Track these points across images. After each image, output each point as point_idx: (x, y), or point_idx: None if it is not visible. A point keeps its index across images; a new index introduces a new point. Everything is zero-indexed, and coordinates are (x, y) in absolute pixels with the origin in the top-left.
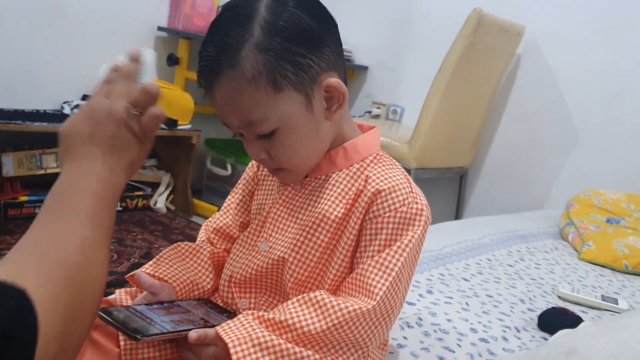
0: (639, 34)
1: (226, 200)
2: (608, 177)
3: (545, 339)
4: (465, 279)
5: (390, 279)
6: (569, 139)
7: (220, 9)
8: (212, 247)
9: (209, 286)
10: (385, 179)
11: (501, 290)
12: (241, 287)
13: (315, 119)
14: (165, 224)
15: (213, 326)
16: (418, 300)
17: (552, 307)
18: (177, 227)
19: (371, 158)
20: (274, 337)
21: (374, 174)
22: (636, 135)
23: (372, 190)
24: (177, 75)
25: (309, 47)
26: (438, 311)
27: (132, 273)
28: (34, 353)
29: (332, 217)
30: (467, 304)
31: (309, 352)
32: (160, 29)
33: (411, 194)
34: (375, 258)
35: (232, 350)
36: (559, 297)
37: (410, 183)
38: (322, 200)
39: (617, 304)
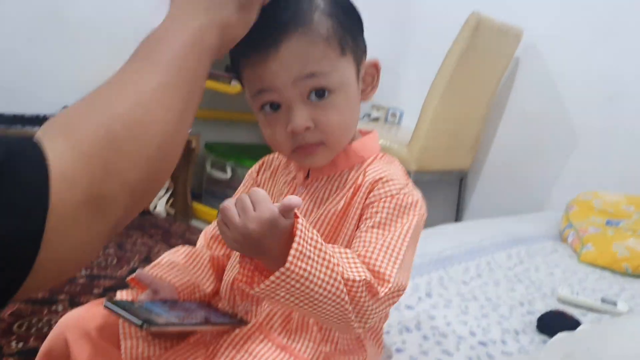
0: (636, 37)
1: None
2: (607, 178)
3: (545, 341)
4: (464, 282)
5: (398, 262)
6: (568, 141)
7: None
8: (213, 252)
9: (209, 289)
10: (384, 170)
11: (500, 293)
12: (243, 291)
13: (359, 93)
14: (164, 228)
15: (215, 324)
16: (417, 303)
17: (551, 310)
18: (176, 231)
19: (372, 158)
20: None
21: (373, 167)
22: (635, 137)
23: (370, 180)
24: None
25: (359, 27)
26: (437, 314)
27: (133, 275)
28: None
29: (332, 213)
30: (466, 307)
31: (342, 287)
32: None
33: (407, 187)
34: (380, 242)
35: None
36: (559, 299)
37: (407, 179)
38: (324, 200)
39: (616, 306)
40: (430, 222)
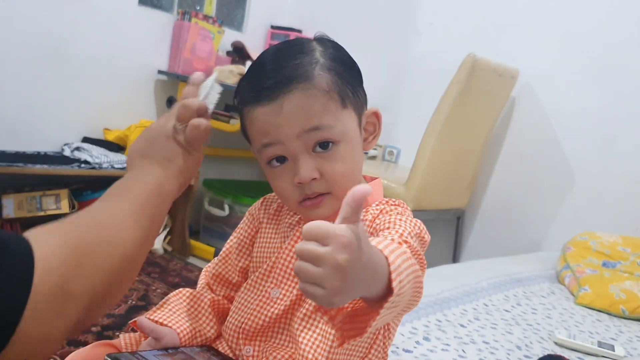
0: (630, 77)
1: (225, 244)
2: (604, 219)
3: None
4: (462, 325)
5: (403, 238)
6: (564, 180)
7: (271, 48)
8: (213, 295)
9: (210, 334)
10: (385, 205)
11: (498, 336)
12: (249, 335)
13: (361, 142)
14: (162, 266)
15: None
16: (415, 347)
17: (549, 354)
18: (174, 268)
19: (374, 205)
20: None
21: (373, 208)
22: (631, 177)
23: (371, 216)
24: None
25: (358, 79)
26: (435, 359)
27: (135, 319)
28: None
29: None
30: (463, 351)
31: (416, 267)
32: (160, 72)
33: (409, 216)
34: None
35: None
36: (556, 343)
37: (409, 212)
38: None
39: (614, 350)
40: (428, 261)
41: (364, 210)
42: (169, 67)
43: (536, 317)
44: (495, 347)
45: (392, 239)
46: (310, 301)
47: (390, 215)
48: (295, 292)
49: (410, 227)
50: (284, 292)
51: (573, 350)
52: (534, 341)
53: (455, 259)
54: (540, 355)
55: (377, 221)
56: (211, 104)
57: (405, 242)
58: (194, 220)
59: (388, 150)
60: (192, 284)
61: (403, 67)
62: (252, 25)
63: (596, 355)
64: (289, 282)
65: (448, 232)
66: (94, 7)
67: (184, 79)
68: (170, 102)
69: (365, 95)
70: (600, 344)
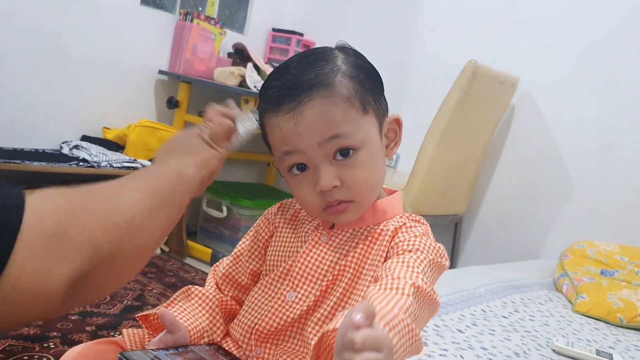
0: (630, 86)
1: (237, 245)
2: (602, 227)
3: None
4: (460, 331)
5: (416, 273)
6: (563, 188)
7: (294, 56)
8: (221, 295)
9: (217, 334)
10: (407, 220)
11: (496, 342)
12: (261, 336)
13: (383, 149)
14: (158, 266)
15: None
16: None
17: None
18: (170, 269)
19: (398, 216)
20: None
21: (394, 220)
22: (629, 186)
23: (392, 228)
24: (176, 118)
25: (380, 87)
26: None
27: (143, 313)
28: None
29: (354, 264)
30: (462, 356)
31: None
32: (161, 72)
33: (429, 237)
34: (400, 263)
35: None
36: (554, 350)
37: (429, 232)
38: (347, 254)
39: (612, 359)
40: None
41: (385, 222)
42: (169, 67)
43: (534, 324)
44: (494, 354)
45: (400, 289)
46: (325, 306)
47: (415, 234)
48: (312, 296)
49: (432, 254)
50: (300, 295)
51: (571, 358)
52: (532, 348)
53: (452, 264)
54: None
55: (400, 236)
56: (244, 132)
57: (417, 287)
58: (191, 221)
59: None
60: (189, 284)
61: (404, 72)
62: (253, 27)
63: None
64: (305, 286)
65: (446, 237)
66: (95, 6)
67: (184, 80)
68: (171, 102)
69: (386, 103)
70: (598, 353)
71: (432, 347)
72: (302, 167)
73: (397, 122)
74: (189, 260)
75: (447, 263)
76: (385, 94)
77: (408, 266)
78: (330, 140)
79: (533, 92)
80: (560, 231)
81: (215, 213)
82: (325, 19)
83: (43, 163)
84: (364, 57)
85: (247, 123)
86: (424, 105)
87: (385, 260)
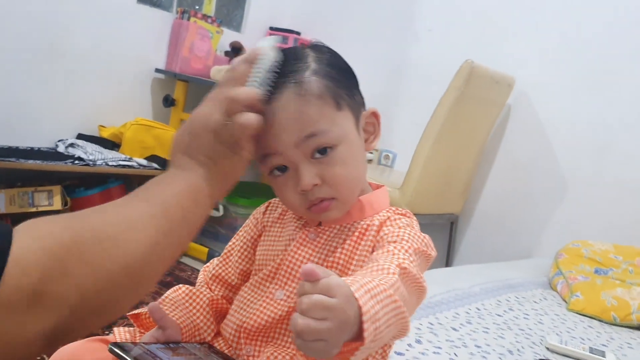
0: (625, 87)
1: (227, 246)
2: (596, 227)
3: None
4: (454, 329)
5: (402, 258)
6: (558, 188)
7: None
8: (211, 293)
9: (207, 332)
10: (392, 214)
11: (490, 340)
12: (250, 335)
13: (362, 143)
14: None
15: None
16: (407, 350)
17: (540, 359)
18: None
19: (383, 212)
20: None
21: (381, 215)
22: (624, 186)
23: (377, 222)
24: (172, 116)
25: (353, 82)
26: None
27: (134, 311)
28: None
29: (342, 260)
30: (455, 354)
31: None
32: (157, 70)
33: (414, 228)
34: (386, 253)
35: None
36: (547, 348)
37: (415, 224)
38: (335, 250)
39: (604, 357)
40: None
41: (371, 217)
42: (166, 65)
43: (528, 323)
44: (487, 351)
45: (385, 269)
46: None
47: (399, 226)
48: None
49: (416, 243)
50: (288, 293)
51: (564, 355)
52: (526, 346)
53: (448, 264)
54: None
55: (385, 229)
56: (266, 85)
57: (403, 269)
58: None
59: (384, 154)
60: (185, 283)
61: (401, 72)
62: (251, 26)
63: None
64: (293, 284)
65: (441, 237)
66: (91, 4)
67: (181, 78)
68: (167, 100)
69: (362, 97)
70: (591, 350)
71: (426, 345)
72: (282, 168)
73: (375, 115)
74: (184, 259)
75: (434, 253)
76: (382, 93)
77: (393, 254)
78: (306, 139)
79: (529, 92)
80: (555, 231)
81: (211, 212)
82: (322, 18)
83: (38, 161)
84: (337, 54)
85: (269, 71)
86: (421, 105)
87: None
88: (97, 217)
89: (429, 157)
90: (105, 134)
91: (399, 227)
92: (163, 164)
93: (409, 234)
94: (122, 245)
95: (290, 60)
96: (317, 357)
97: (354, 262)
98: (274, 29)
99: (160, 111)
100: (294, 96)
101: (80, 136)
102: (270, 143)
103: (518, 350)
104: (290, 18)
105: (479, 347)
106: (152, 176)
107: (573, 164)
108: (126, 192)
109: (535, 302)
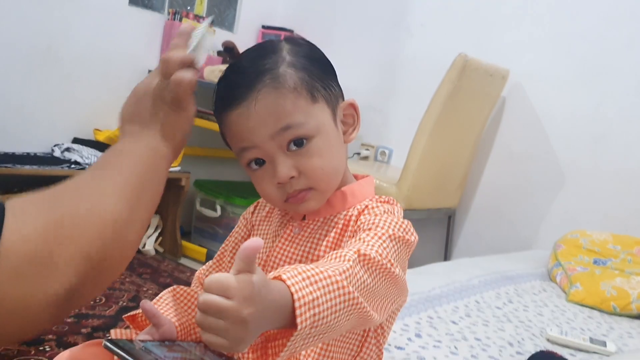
0: (620, 77)
1: (220, 248)
2: (594, 217)
3: None
4: (453, 322)
5: (370, 245)
6: (555, 180)
7: (244, 51)
8: None
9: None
10: (373, 202)
11: (490, 333)
12: None
13: (340, 135)
14: (153, 267)
15: None
16: (407, 344)
17: (541, 351)
18: (165, 269)
19: (366, 201)
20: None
21: (361, 204)
22: (621, 176)
23: (357, 211)
24: None
25: (330, 73)
26: (427, 355)
27: (130, 313)
28: None
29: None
30: (455, 347)
31: (351, 288)
32: (151, 71)
33: (394, 214)
34: (357, 241)
35: (288, 282)
36: (548, 339)
37: (396, 210)
38: (321, 243)
39: (605, 346)
40: (419, 260)
41: (353, 206)
42: None
43: (528, 314)
44: (487, 344)
45: (342, 256)
46: None
47: (376, 214)
48: None
49: (392, 229)
50: None
51: (565, 346)
52: (526, 338)
53: (446, 257)
54: (533, 352)
55: (362, 218)
56: (203, 54)
57: (363, 255)
58: (185, 221)
59: (380, 150)
60: (183, 284)
61: (394, 67)
62: (243, 25)
63: (588, 352)
64: None
65: (439, 231)
66: (84, 7)
67: None
68: None
69: (339, 88)
70: (592, 340)
71: (426, 339)
72: (259, 161)
73: (353, 106)
74: (183, 261)
75: (413, 238)
76: (376, 89)
77: (363, 241)
78: (281, 132)
79: (523, 84)
80: (552, 222)
81: (209, 212)
82: (315, 15)
83: (35, 166)
84: (314, 46)
85: (205, 43)
86: (415, 100)
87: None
88: (75, 185)
89: (425, 152)
90: (100, 137)
91: (376, 215)
92: None
93: (385, 221)
94: (105, 203)
95: (265, 54)
96: (224, 351)
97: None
98: (266, 27)
99: None
100: (269, 89)
101: (76, 140)
102: (246, 136)
103: (518, 342)
104: (282, 16)
105: (478, 340)
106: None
107: (569, 154)
108: None
109: (534, 293)
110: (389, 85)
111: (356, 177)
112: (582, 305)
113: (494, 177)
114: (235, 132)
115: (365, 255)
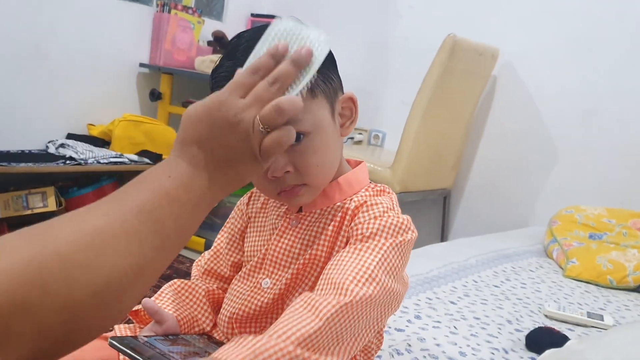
0: (609, 52)
1: (216, 239)
2: (589, 192)
3: (534, 359)
4: (452, 302)
5: (365, 276)
6: (548, 156)
7: (239, 34)
8: (207, 285)
9: (206, 323)
10: (369, 197)
11: (488, 311)
12: (242, 324)
13: (337, 129)
14: None
15: None
16: (407, 326)
17: (539, 327)
18: None
19: (363, 190)
20: (258, 339)
21: (359, 196)
22: (613, 150)
23: (354, 204)
24: (160, 110)
25: (330, 64)
26: (427, 336)
27: (134, 309)
28: None
29: (326, 247)
30: (455, 327)
31: (298, 351)
32: (142, 65)
33: (392, 210)
34: (352, 259)
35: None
36: (546, 315)
37: (393, 203)
38: (319, 235)
39: (602, 320)
40: (416, 242)
41: (349, 198)
42: (150, 59)
43: (525, 291)
44: (486, 322)
45: (314, 308)
46: (301, 290)
47: (374, 215)
48: (284, 280)
49: (392, 236)
50: (274, 281)
51: (563, 322)
52: (524, 315)
53: (443, 238)
54: (531, 329)
55: (361, 217)
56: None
57: (344, 306)
58: None
59: (373, 134)
60: (183, 275)
61: (385, 51)
62: (231, 14)
63: (585, 326)
64: (279, 272)
65: (435, 212)
66: (72, 2)
67: (165, 71)
68: (153, 94)
69: (339, 80)
70: (589, 315)
71: (426, 320)
72: None
73: (352, 100)
74: (182, 251)
75: (413, 234)
76: (367, 73)
77: (359, 262)
78: None
79: (514, 62)
80: (548, 199)
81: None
82: (303, 1)
83: (30, 164)
84: None
85: (312, 71)
86: (407, 82)
87: (347, 243)
88: (68, 237)
89: (418, 134)
90: (94, 132)
91: (374, 217)
92: (154, 158)
93: (384, 225)
94: (94, 272)
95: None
96: None
97: (336, 248)
98: (255, 16)
99: (147, 106)
100: None
101: (70, 136)
102: None
103: (517, 319)
104: (271, 3)
105: (477, 318)
106: (144, 171)
107: (562, 131)
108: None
109: (531, 270)
110: (380, 69)
111: (349, 163)
112: (579, 280)
113: (487, 156)
114: None
115: (347, 305)
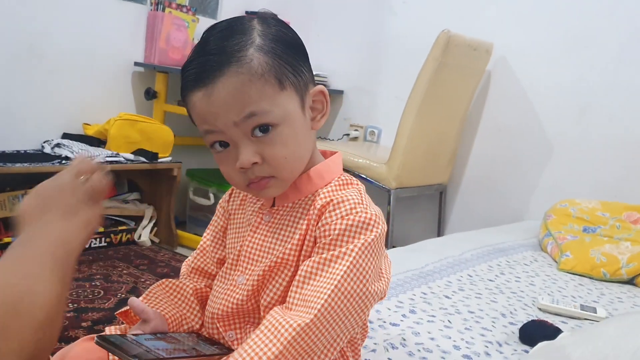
0: (603, 47)
1: (202, 238)
2: (583, 186)
3: (527, 351)
4: (447, 297)
5: (330, 288)
6: (543, 151)
7: (210, 28)
8: (195, 284)
9: (194, 321)
10: (335, 192)
11: (482, 305)
12: (225, 322)
13: (307, 122)
14: (150, 258)
15: (204, 355)
16: (401, 320)
17: (532, 320)
18: (162, 259)
19: (334, 182)
20: None
21: (325, 191)
22: (607, 144)
23: (321, 202)
24: (155, 108)
25: (301, 57)
26: (421, 330)
27: (122, 309)
28: None
29: (297, 242)
30: (449, 321)
31: None
32: (136, 64)
33: (360, 205)
34: (318, 266)
35: None
36: (540, 309)
37: (361, 196)
38: (291, 229)
39: (595, 312)
40: (413, 237)
41: (320, 190)
42: (145, 58)
43: (520, 285)
44: (481, 316)
45: (276, 329)
46: (269, 291)
47: (341, 215)
48: (256, 277)
49: (360, 240)
50: (247, 276)
51: (556, 314)
52: (518, 308)
53: (439, 233)
54: (525, 322)
55: (327, 217)
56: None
57: (305, 327)
58: (179, 210)
59: (369, 130)
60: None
61: (379, 47)
62: (226, 11)
63: (579, 319)
64: (252, 268)
65: (431, 207)
66: (66, 2)
67: (160, 70)
68: (149, 93)
69: (310, 73)
70: (582, 307)
71: (420, 315)
72: (223, 143)
73: (323, 93)
74: (180, 250)
75: (382, 228)
76: (362, 69)
77: (328, 275)
78: (246, 119)
79: (508, 57)
80: (543, 193)
81: (202, 201)
82: None
83: (25, 164)
84: (286, 26)
85: None
86: (401, 78)
87: (315, 243)
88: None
89: (413, 130)
90: (90, 131)
91: (341, 217)
92: (150, 157)
93: (351, 225)
94: (39, 298)
95: (235, 34)
96: None
97: (305, 248)
98: (250, 13)
99: (143, 105)
100: (235, 74)
101: (66, 135)
102: (210, 120)
103: (511, 312)
104: (265, 0)
105: (472, 312)
106: (140, 170)
107: (556, 125)
108: (115, 188)
109: (526, 264)
110: (374, 65)
111: (324, 154)
112: (573, 273)
113: (483, 151)
114: (199, 114)
115: (312, 322)
